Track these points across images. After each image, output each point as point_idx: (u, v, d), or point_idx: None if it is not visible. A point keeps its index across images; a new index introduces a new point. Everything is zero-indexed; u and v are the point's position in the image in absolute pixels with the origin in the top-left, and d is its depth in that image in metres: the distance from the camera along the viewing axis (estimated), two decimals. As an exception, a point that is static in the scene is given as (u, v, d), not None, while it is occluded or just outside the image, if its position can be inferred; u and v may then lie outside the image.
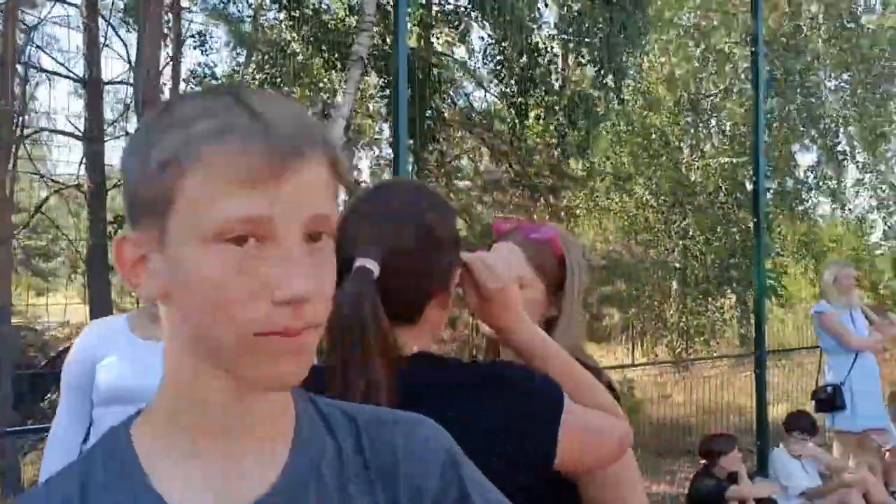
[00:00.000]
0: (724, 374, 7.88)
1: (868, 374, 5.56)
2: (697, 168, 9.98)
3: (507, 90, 7.59)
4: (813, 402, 5.64)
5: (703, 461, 4.89)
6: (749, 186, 11.02)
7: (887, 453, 6.11)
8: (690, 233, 9.80)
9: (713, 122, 10.61)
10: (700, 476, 4.85)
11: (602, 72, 7.09)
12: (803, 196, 11.25)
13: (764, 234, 5.47)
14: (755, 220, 5.49)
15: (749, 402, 6.63)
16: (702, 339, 11.23)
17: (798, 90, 10.07)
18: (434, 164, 8.27)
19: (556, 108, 7.21)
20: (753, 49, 5.42)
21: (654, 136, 9.17)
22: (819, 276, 16.46)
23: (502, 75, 7.65)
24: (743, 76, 10.04)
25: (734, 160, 10.00)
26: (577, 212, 9.80)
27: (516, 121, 7.62)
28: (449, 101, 8.30)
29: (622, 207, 9.80)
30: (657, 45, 10.19)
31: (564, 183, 8.93)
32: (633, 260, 9.19)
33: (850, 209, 14.85)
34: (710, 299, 10.97)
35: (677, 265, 9.97)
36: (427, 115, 7.57)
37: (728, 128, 10.88)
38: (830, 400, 5.50)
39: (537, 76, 7.21)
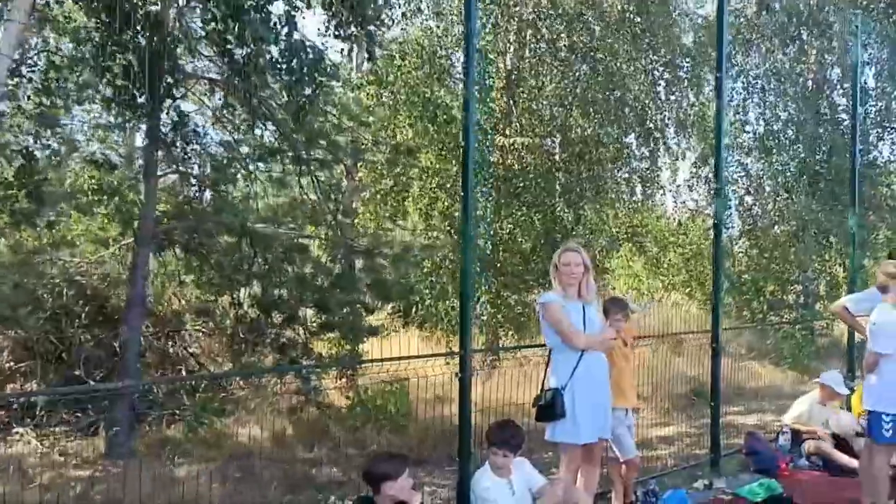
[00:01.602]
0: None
1: (594, 378, 4.73)
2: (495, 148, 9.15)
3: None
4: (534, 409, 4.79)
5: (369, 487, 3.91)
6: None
7: (623, 466, 5.40)
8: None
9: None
10: (357, 508, 3.87)
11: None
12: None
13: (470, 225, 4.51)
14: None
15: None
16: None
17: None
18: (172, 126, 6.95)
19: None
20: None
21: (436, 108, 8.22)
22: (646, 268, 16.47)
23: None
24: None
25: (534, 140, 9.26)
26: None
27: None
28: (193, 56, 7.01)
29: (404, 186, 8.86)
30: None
31: (338, 155, 7.86)
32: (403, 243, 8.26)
33: (682, 202, 14.64)
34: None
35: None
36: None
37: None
38: (550, 406, 4.64)
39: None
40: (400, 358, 4.89)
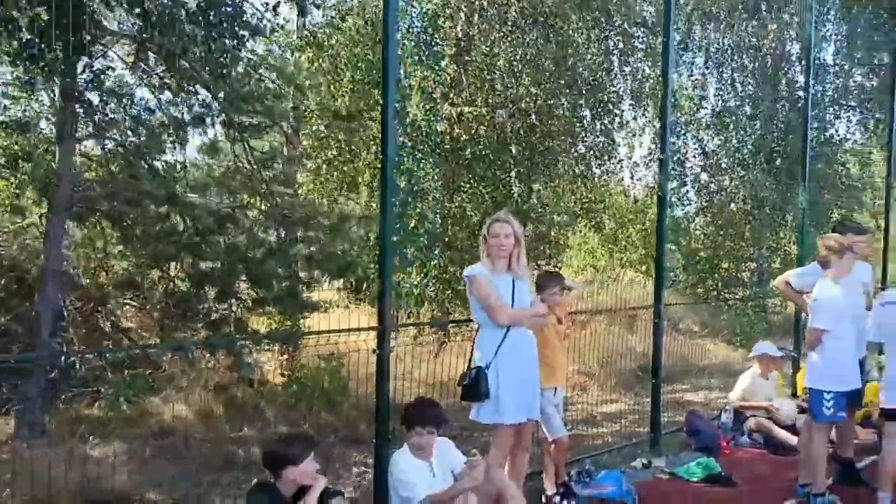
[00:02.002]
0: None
1: (520, 356, 4.51)
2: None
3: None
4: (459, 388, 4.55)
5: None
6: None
7: (552, 446, 5.20)
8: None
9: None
10: (256, 493, 3.59)
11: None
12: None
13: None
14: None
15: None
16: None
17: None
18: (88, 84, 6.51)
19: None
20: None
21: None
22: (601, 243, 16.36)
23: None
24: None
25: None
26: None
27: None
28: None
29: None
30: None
31: (275, 121, 7.47)
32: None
33: (640, 178, 14.44)
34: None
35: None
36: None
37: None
38: (474, 386, 4.41)
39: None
40: (319, 332, 4.62)
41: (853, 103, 13.36)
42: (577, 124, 10.47)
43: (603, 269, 16.64)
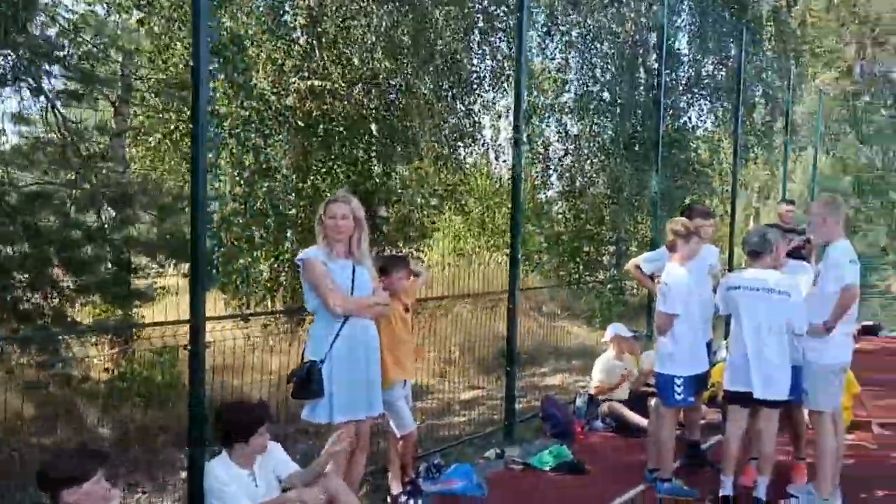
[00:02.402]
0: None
1: (359, 349, 4.12)
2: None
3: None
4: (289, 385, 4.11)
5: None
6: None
7: (400, 441, 4.86)
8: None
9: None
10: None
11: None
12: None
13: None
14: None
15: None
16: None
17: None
18: None
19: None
20: None
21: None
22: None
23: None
24: None
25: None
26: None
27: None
28: None
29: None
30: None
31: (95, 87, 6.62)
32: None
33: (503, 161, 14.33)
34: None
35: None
36: None
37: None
38: (305, 382, 3.98)
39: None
40: (133, 325, 4.02)
41: (704, 92, 13.85)
42: (438, 104, 10.17)
43: (469, 253, 16.57)
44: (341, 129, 9.08)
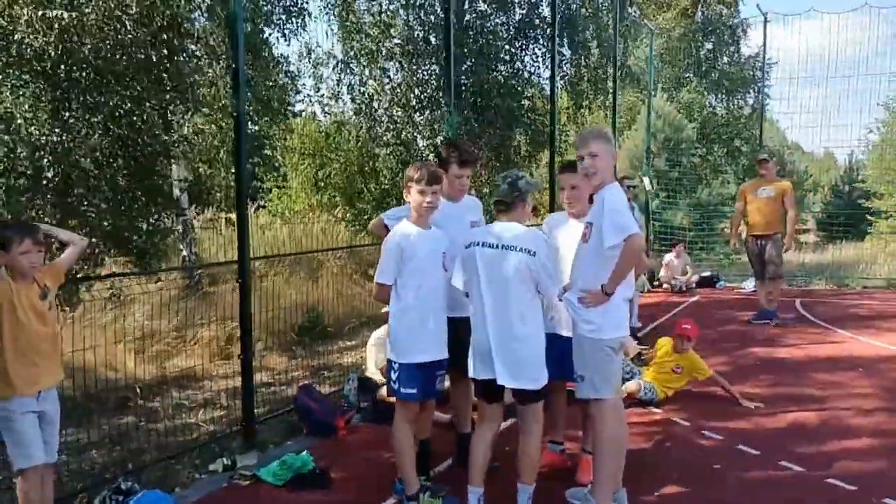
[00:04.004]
0: None
1: None
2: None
3: None
4: None
5: None
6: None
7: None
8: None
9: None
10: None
11: None
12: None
13: None
14: None
15: None
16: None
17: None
18: None
19: None
20: None
21: None
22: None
23: None
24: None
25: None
26: None
27: None
28: None
29: None
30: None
31: None
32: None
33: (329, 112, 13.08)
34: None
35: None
36: None
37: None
38: None
39: None
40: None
41: (539, 35, 13.09)
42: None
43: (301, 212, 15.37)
44: (90, 72, 7.55)
